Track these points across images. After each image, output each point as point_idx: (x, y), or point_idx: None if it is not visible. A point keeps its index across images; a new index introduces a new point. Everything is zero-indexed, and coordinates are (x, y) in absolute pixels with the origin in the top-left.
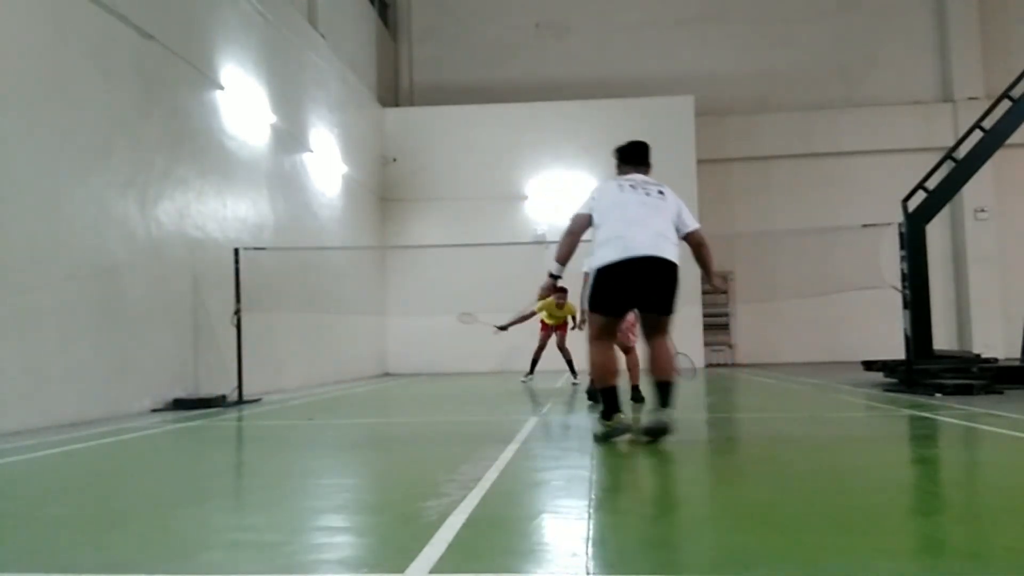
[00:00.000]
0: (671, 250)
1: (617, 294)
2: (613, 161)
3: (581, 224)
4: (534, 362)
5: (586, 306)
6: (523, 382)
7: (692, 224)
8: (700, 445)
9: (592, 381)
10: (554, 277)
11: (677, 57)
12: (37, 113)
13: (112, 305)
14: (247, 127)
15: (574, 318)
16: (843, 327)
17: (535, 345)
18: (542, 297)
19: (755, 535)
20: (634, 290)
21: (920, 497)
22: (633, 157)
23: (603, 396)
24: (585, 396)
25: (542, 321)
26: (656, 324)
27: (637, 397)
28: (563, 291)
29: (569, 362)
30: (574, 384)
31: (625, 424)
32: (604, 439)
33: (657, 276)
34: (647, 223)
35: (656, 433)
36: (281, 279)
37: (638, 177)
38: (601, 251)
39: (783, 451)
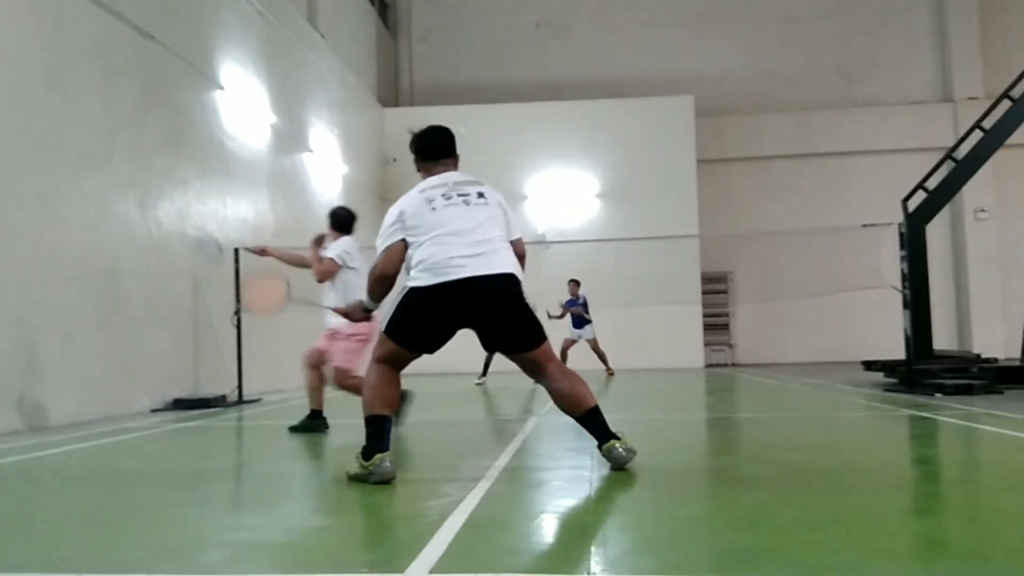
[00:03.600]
0: (507, 261)
1: (428, 326)
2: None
3: (393, 258)
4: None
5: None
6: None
7: (517, 231)
8: (700, 445)
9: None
10: (367, 311)
11: (677, 57)
12: (37, 113)
13: (112, 305)
14: (247, 127)
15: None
16: (843, 327)
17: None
18: (351, 318)
19: (755, 535)
20: (463, 324)
21: (920, 497)
22: (438, 149)
23: (369, 427)
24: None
25: None
26: (531, 362)
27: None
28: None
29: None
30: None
31: (386, 469)
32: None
33: (496, 303)
34: (471, 235)
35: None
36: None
37: (451, 177)
38: (416, 272)
39: (783, 451)
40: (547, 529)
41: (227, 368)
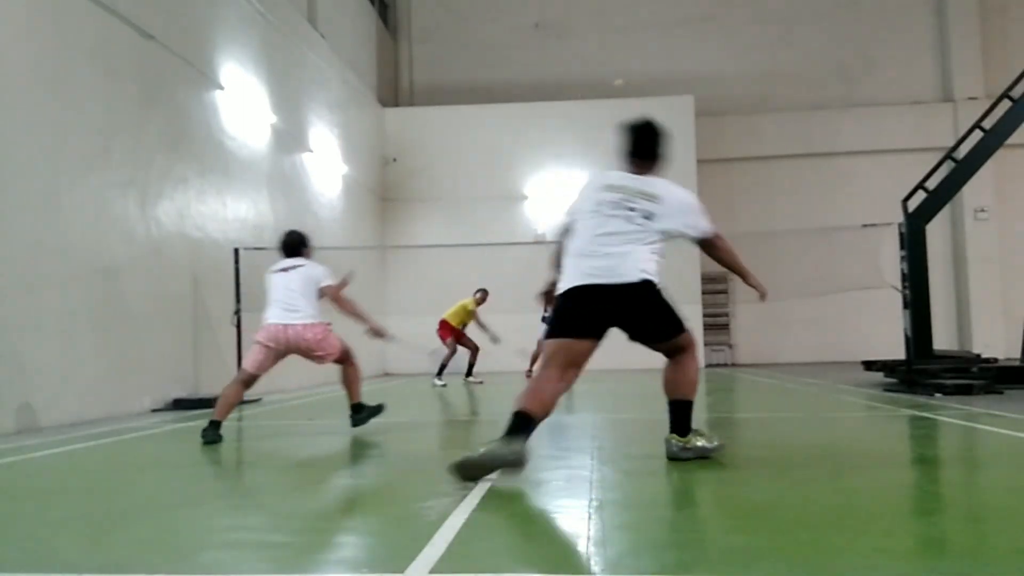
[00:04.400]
0: (631, 269)
1: (574, 315)
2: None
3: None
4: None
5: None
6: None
7: (701, 227)
8: None
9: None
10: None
11: (677, 57)
12: (37, 113)
13: (112, 305)
14: (247, 127)
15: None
16: (843, 327)
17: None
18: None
19: (755, 535)
20: (601, 319)
21: (920, 497)
22: (633, 147)
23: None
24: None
25: (460, 325)
26: (663, 351)
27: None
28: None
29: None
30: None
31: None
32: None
33: (622, 306)
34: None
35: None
36: None
37: (616, 176)
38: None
39: (783, 451)
40: (547, 529)
41: (227, 368)
